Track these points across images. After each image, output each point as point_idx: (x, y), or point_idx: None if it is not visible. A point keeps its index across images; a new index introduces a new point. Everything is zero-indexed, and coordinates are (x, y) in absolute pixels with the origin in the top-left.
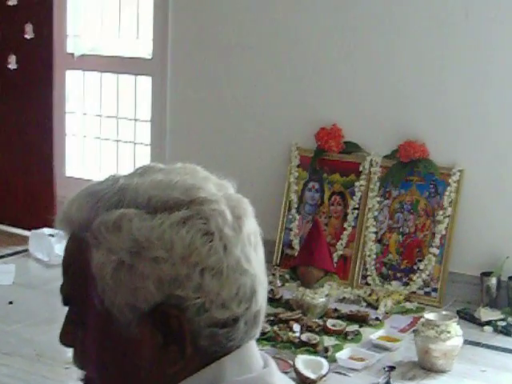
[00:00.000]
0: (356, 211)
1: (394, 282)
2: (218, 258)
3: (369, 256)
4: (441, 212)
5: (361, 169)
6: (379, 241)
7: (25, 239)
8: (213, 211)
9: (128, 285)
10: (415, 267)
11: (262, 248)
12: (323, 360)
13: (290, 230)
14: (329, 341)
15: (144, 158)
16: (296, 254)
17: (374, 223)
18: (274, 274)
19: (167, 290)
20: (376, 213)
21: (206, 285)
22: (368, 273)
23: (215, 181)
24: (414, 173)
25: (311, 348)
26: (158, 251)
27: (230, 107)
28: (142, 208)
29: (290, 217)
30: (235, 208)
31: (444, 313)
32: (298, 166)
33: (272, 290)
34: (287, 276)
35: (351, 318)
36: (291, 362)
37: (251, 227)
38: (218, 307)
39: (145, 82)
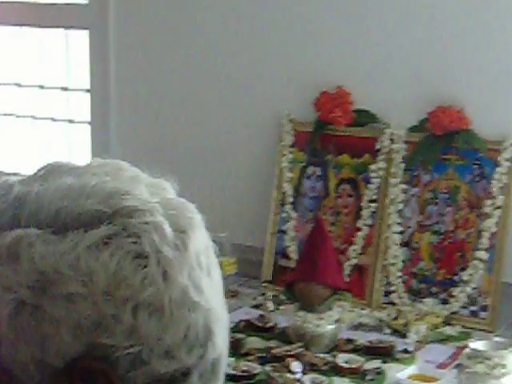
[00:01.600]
0: (373, 204)
1: (428, 300)
2: (155, 289)
3: (393, 265)
4: (489, 202)
5: (378, 146)
6: (406, 244)
7: None
8: (146, 225)
9: (33, 334)
10: (456, 278)
11: (218, 270)
12: None
13: (285, 232)
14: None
15: (81, 140)
16: (293, 265)
17: (399, 220)
18: (263, 294)
19: (88, 338)
20: (401, 206)
21: (141, 328)
22: (392, 288)
23: (147, 181)
24: (450, 149)
25: None
26: (71, 285)
27: (199, 68)
28: (46, 226)
29: (284, 215)
30: (177, 218)
31: (497, 339)
32: (293, 146)
33: (262, 316)
34: (282, 296)
35: (371, 351)
36: None
37: (201, 243)
38: (161, 357)
39: (80, 37)
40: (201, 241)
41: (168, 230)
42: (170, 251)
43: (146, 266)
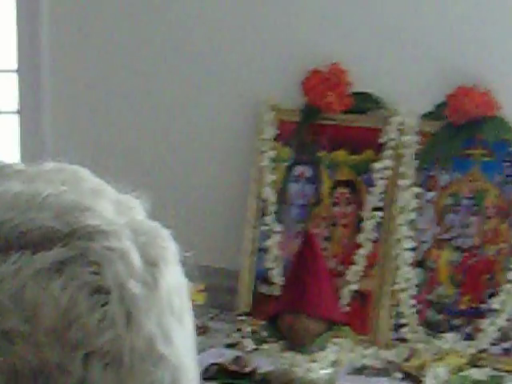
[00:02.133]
0: (378, 214)
1: (449, 335)
2: (115, 334)
3: (404, 291)
4: None
5: (383, 139)
6: (420, 264)
7: None
8: (109, 251)
9: None
10: (485, 307)
11: (191, 317)
12: None
13: (266, 251)
14: None
15: (7, 132)
16: (277, 293)
17: (411, 233)
18: (239, 330)
19: None
20: (413, 215)
21: (93, 382)
22: (404, 320)
23: (113, 196)
24: (475, 143)
25: None
26: (10, 320)
27: (154, 48)
28: None
29: (265, 228)
30: (148, 247)
31: None
32: (276, 140)
33: (238, 357)
34: (264, 332)
35: None
36: None
37: (174, 281)
38: None
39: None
40: (174, 278)
41: (137, 260)
42: (137, 287)
43: (105, 304)
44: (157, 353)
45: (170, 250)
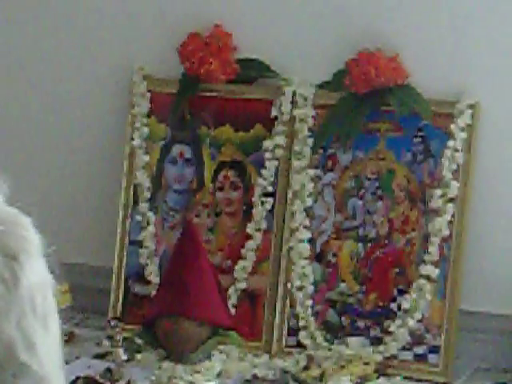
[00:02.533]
0: (269, 200)
1: (353, 340)
2: None
3: (300, 289)
4: (438, 192)
5: (274, 113)
6: (319, 257)
7: None
8: None
9: None
10: (393, 306)
11: (56, 320)
12: None
13: (140, 245)
14: None
15: None
16: (153, 293)
17: (307, 222)
18: (111, 338)
19: None
20: (310, 201)
21: None
22: (300, 323)
23: None
24: (380, 116)
25: None
26: None
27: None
28: None
29: (138, 219)
30: (6, 238)
31: None
32: (149, 116)
33: (109, 370)
34: (138, 340)
35: None
36: None
37: (38, 278)
38: None
39: None
40: (38, 274)
41: None
42: None
43: None
44: (17, 361)
45: (32, 240)
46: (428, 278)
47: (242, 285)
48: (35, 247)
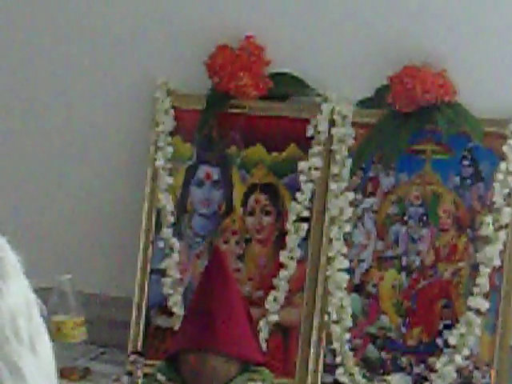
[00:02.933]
0: (304, 225)
1: (395, 377)
2: None
3: (337, 323)
4: (489, 218)
5: (311, 132)
6: (358, 288)
7: None
8: None
9: None
10: (440, 342)
11: (47, 342)
12: None
13: (163, 274)
14: None
15: None
16: (177, 326)
17: (345, 250)
18: (130, 374)
19: None
20: (348, 227)
21: None
22: (338, 359)
23: None
24: (426, 136)
25: None
26: None
27: (33, 18)
28: None
29: (161, 245)
30: None
31: None
32: (174, 134)
33: None
34: (161, 376)
35: None
36: None
37: (18, 299)
38: None
39: None
40: (18, 296)
41: None
42: None
43: None
44: None
45: (8, 260)
46: (477, 311)
47: (274, 317)
48: (13, 268)
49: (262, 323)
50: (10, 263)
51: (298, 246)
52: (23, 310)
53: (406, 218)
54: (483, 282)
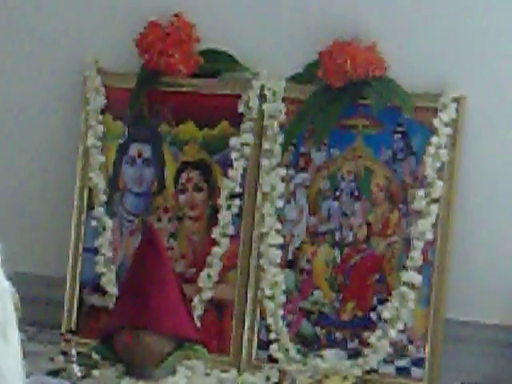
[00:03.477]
0: (236, 202)
1: (329, 352)
2: None
3: (270, 299)
4: (421, 192)
5: (241, 108)
6: (291, 264)
7: None
8: None
9: None
10: (373, 316)
11: (16, 330)
12: None
13: (96, 253)
14: None
15: None
16: (111, 305)
17: (279, 226)
18: (65, 354)
19: None
20: (281, 203)
21: None
22: (272, 335)
23: None
24: (357, 110)
25: None
26: None
27: None
28: None
29: (93, 224)
30: None
31: None
32: (104, 113)
33: None
34: (96, 355)
35: None
36: None
37: None
38: None
39: None
40: None
41: None
42: None
43: None
44: None
45: None
46: (410, 285)
47: (208, 294)
48: None
49: (196, 300)
50: None
51: (231, 222)
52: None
53: (338, 193)
54: (416, 255)
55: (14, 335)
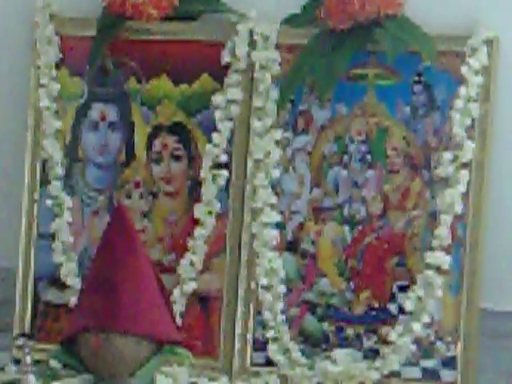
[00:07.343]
0: (222, 173)
1: (340, 353)
2: None
3: (267, 289)
4: (448, 155)
5: (226, 58)
6: (291, 246)
7: None
8: None
9: None
10: (393, 308)
11: None
12: None
13: (53, 238)
14: None
15: None
16: (74, 301)
17: (274, 201)
18: (17, 361)
19: None
20: (277, 173)
21: None
22: (270, 334)
23: None
24: (368, 57)
25: None
26: None
27: None
28: None
29: (49, 204)
30: None
31: None
32: (59, 67)
33: None
34: (55, 362)
35: None
36: None
37: None
38: None
39: None
40: None
41: None
42: None
43: None
44: None
45: None
46: (438, 268)
47: (191, 286)
48: None
49: (176, 293)
50: None
51: (217, 198)
52: None
53: (346, 158)
54: (443, 233)
55: None
